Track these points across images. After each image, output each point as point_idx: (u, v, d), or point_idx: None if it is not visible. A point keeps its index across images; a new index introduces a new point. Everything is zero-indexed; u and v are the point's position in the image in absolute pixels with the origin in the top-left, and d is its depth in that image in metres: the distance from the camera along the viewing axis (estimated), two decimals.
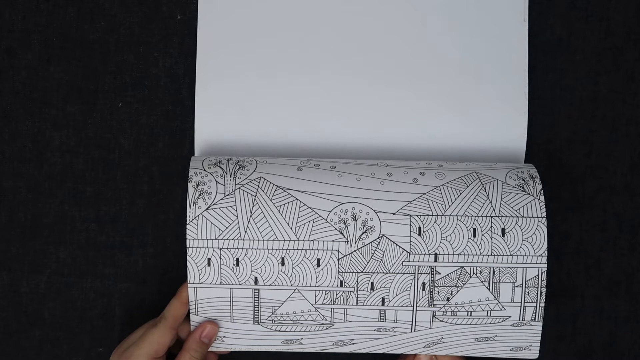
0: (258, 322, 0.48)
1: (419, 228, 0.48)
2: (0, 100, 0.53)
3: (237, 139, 0.53)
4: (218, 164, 0.49)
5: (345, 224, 0.48)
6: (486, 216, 0.48)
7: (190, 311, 0.48)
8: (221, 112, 0.53)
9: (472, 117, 0.54)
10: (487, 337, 0.49)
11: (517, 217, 0.48)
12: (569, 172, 0.56)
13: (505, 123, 0.54)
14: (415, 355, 0.51)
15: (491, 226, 0.48)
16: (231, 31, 0.53)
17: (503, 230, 0.48)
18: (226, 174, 0.48)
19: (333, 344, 0.49)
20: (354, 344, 0.49)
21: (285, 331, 0.48)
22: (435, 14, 0.54)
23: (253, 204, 0.47)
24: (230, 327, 0.48)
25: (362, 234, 0.48)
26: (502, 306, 0.48)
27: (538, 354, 0.50)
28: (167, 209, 0.54)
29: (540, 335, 0.49)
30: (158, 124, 0.54)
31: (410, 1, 0.54)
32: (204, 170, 0.48)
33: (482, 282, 0.48)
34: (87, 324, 0.54)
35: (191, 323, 0.48)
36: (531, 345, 0.50)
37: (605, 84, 0.56)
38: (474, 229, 0.48)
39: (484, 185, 0.49)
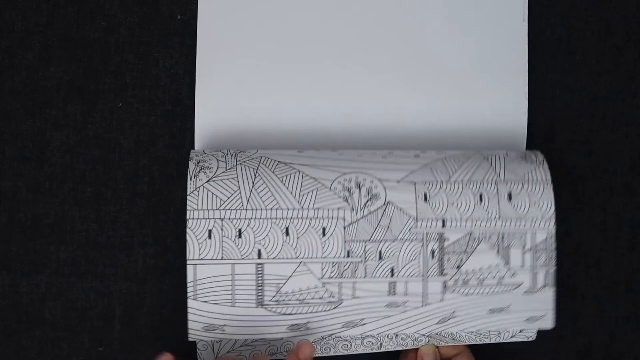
0: (262, 305, 0.46)
1: (425, 194, 0.47)
2: (0, 100, 0.53)
3: (238, 139, 0.53)
4: (219, 150, 0.49)
5: (349, 191, 0.47)
6: (491, 181, 0.48)
7: (188, 294, 0.46)
8: (221, 112, 0.53)
9: (472, 117, 0.54)
10: (500, 308, 0.48)
11: (523, 181, 0.48)
12: (569, 172, 0.56)
13: (505, 123, 0.54)
14: (417, 350, 0.51)
15: (497, 191, 0.48)
16: (231, 31, 0.53)
17: (510, 194, 0.48)
18: (227, 154, 0.48)
19: (342, 327, 0.48)
20: (364, 324, 0.48)
21: (290, 314, 0.47)
22: (435, 13, 0.54)
23: (255, 175, 0.47)
24: (231, 313, 0.46)
25: (367, 201, 0.47)
26: (513, 272, 0.48)
27: (553, 323, 0.49)
28: (167, 209, 0.54)
29: (553, 301, 0.49)
30: (158, 124, 0.54)
31: (410, 1, 0.54)
32: (205, 153, 0.48)
33: (491, 247, 0.47)
34: (87, 324, 0.54)
35: (188, 309, 0.46)
36: (545, 314, 0.49)
37: (605, 84, 0.56)
38: (481, 194, 0.48)
39: (486, 157, 0.49)
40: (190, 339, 0.47)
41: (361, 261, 0.46)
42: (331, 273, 0.46)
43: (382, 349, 0.50)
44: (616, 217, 0.56)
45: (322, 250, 0.46)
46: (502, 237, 0.48)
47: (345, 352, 0.50)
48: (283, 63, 0.54)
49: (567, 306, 0.56)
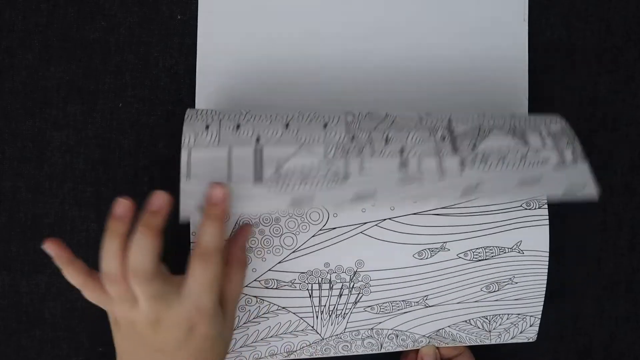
0: (260, 180, 0.42)
1: (426, 113, 0.46)
2: (0, 100, 0.53)
3: None
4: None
5: (351, 113, 0.45)
6: (490, 115, 0.47)
7: (181, 175, 0.42)
8: None
9: None
10: (532, 178, 0.43)
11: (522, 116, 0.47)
12: None
13: None
14: (417, 351, 0.51)
15: (499, 121, 0.46)
16: (231, 31, 0.53)
17: (512, 115, 0.47)
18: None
19: (351, 199, 0.42)
20: (376, 196, 0.42)
21: (292, 189, 0.42)
22: (435, 14, 0.54)
23: (254, 112, 0.45)
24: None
25: (368, 114, 0.45)
26: (536, 150, 0.43)
27: (597, 194, 0.44)
28: None
29: (590, 173, 0.44)
30: (158, 124, 0.54)
31: (410, 1, 0.54)
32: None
33: (505, 133, 0.43)
34: (87, 324, 0.54)
35: (181, 191, 0.42)
36: (585, 185, 0.43)
37: (605, 84, 0.56)
38: (482, 116, 0.46)
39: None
40: (182, 222, 0.45)
41: (368, 142, 0.43)
42: (335, 152, 0.42)
43: (383, 350, 0.50)
44: (616, 217, 0.56)
45: (325, 137, 0.43)
46: (515, 127, 0.44)
47: (345, 353, 0.50)
48: (283, 63, 0.54)
49: (567, 306, 0.56)
